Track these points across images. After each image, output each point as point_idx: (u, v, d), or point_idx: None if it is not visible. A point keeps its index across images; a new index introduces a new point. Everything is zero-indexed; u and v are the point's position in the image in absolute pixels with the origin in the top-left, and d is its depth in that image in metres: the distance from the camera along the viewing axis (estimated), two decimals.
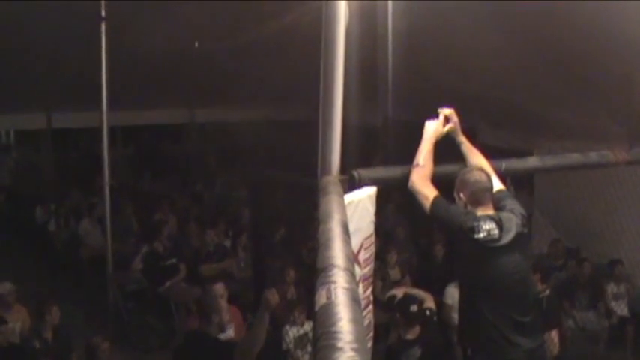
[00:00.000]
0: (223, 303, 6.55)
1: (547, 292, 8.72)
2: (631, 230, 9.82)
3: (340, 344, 1.75)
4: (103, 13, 9.33)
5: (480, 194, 4.43)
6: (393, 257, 10.49)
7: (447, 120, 4.73)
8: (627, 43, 7.28)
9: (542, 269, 8.98)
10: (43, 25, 9.87)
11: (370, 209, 4.30)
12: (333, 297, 2.06)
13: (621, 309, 10.04)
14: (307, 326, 8.33)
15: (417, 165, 4.44)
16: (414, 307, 7.08)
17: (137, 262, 10.90)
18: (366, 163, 4.54)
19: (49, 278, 12.25)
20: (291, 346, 8.38)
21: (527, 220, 4.68)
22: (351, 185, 4.14)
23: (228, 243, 12.15)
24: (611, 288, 10.09)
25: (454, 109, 4.77)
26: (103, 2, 9.25)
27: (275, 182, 16.25)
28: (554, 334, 8.11)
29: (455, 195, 4.53)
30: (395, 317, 7.09)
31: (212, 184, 17.39)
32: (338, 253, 2.54)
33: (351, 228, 3.38)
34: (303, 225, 11.58)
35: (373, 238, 4.43)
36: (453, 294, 8.81)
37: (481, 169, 4.56)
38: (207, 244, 11.54)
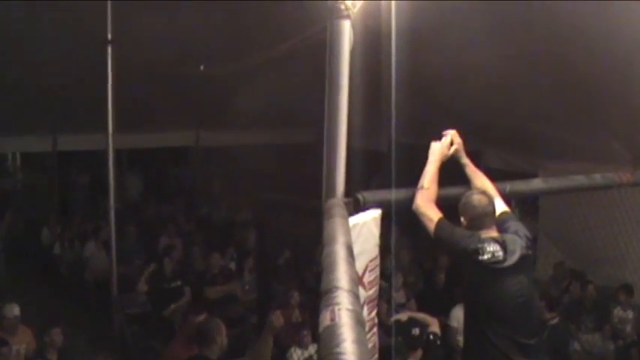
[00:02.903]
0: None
1: (555, 320, 8.69)
2: (636, 252, 9.79)
3: None
4: (110, 36, 9.38)
5: (480, 219, 4.43)
6: (398, 280, 10.47)
7: (451, 142, 4.74)
8: (634, 65, 7.29)
9: (549, 296, 8.95)
10: (49, 47, 9.93)
11: (375, 231, 4.30)
12: (337, 319, 2.07)
13: (628, 332, 9.97)
14: (312, 349, 8.31)
15: (422, 187, 4.45)
16: (415, 331, 7.07)
17: (142, 284, 10.89)
18: (371, 185, 4.54)
19: (53, 301, 12.24)
20: None
21: (532, 242, 4.67)
22: (355, 208, 4.15)
23: (233, 266, 12.14)
24: (617, 311, 10.03)
25: (458, 131, 4.79)
26: (109, 25, 9.30)
27: (280, 205, 16.28)
28: None
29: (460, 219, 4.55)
30: (397, 341, 7.08)
31: (217, 207, 17.41)
32: (342, 276, 2.55)
33: (356, 250, 3.38)
34: (308, 248, 11.59)
35: (378, 261, 4.43)
36: (458, 316, 8.79)
37: (482, 193, 4.56)
38: (212, 266, 11.53)
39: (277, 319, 6.21)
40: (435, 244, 4.54)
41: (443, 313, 9.19)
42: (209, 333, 6.57)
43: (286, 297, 9.83)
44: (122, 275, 10.75)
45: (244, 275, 11.81)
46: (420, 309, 9.67)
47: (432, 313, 8.02)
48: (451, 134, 4.76)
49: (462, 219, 4.51)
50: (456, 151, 4.75)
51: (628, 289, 10.03)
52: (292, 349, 8.41)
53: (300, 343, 8.42)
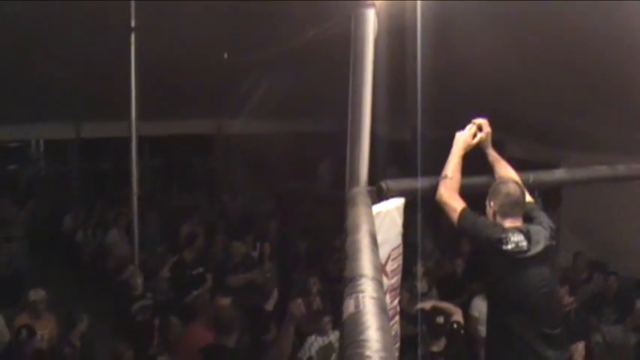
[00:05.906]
0: None
1: (574, 305, 8.65)
2: None
3: (368, 352, 1.75)
4: (133, 24, 9.39)
5: (510, 207, 4.39)
6: (420, 269, 10.45)
7: (479, 130, 4.69)
8: None
9: (570, 282, 8.91)
10: (72, 34, 9.95)
11: (398, 220, 4.29)
12: (361, 306, 2.07)
13: None
14: (332, 336, 8.30)
15: (445, 176, 4.43)
16: (440, 320, 7.05)
17: (165, 271, 10.93)
18: (387, 175, 4.50)
19: (76, 288, 12.32)
20: (315, 355, 8.33)
21: (556, 233, 4.64)
22: (379, 196, 4.14)
23: (255, 254, 12.15)
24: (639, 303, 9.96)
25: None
26: (133, 13, 9.31)
27: (302, 193, 16.27)
28: (580, 348, 8.04)
29: (487, 202, 4.50)
30: (421, 329, 7.06)
31: (239, 196, 17.42)
32: (366, 264, 2.55)
33: (379, 239, 3.37)
34: (330, 236, 11.60)
35: (401, 249, 4.43)
36: (479, 307, 8.78)
37: (517, 183, 4.52)
38: (234, 255, 11.54)
39: (298, 307, 6.22)
40: (458, 233, 4.52)
41: (462, 302, 9.21)
42: (229, 321, 6.60)
43: (306, 284, 9.83)
44: (144, 262, 10.79)
45: (265, 263, 11.81)
46: (440, 297, 9.68)
47: (453, 301, 8.04)
48: (479, 123, 4.72)
49: (492, 203, 4.44)
50: (482, 140, 4.72)
51: None
52: (312, 337, 8.39)
53: (320, 330, 8.40)
